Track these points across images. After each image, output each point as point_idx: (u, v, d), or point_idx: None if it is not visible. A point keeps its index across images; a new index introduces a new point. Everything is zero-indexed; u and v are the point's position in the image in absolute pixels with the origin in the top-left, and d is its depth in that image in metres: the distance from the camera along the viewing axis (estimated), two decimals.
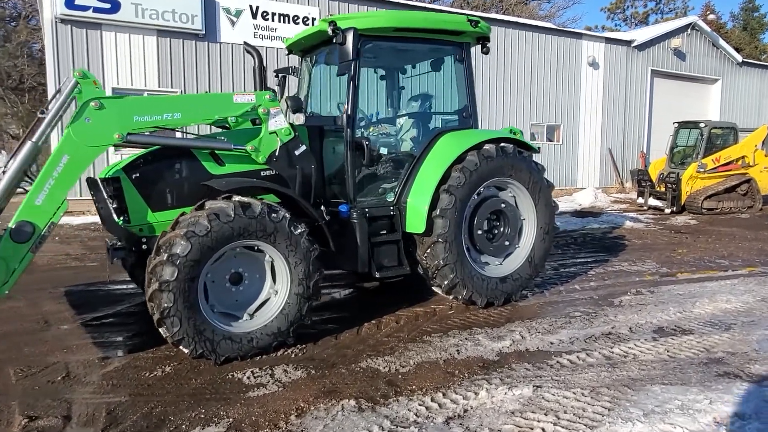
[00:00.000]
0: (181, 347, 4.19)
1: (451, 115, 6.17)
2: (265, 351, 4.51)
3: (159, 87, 12.16)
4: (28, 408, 3.59)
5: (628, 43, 20.30)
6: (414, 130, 5.97)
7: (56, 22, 10.96)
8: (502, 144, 5.72)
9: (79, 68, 4.21)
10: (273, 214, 4.39)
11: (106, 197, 4.66)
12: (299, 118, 4.93)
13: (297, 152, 5.12)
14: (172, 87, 12.28)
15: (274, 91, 5.82)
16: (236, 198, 4.41)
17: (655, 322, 5.22)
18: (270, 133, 4.96)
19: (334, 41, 4.83)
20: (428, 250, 5.41)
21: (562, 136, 19.00)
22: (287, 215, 4.46)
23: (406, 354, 4.50)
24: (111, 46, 11.59)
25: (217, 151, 4.89)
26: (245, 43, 5.77)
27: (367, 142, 5.25)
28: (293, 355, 4.52)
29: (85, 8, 11.00)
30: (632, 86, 20.39)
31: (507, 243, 5.89)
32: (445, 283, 5.45)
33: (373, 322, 5.35)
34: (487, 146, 5.57)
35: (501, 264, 5.93)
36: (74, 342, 4.83)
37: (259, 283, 4.63)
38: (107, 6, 11.19)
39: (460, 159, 5.42)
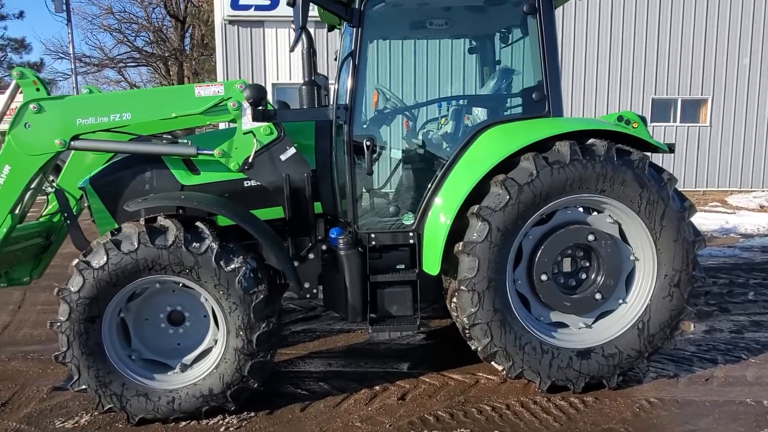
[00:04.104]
0: None
1: (513, 98, 4.20)
2: (193, 417, 3.51)
3: None
4: None
5: None
6: (452, 123, 4.20)
7: (225, 23, 11.57)
8: (590, 141, 3.62)
9: (18, 68, 3.77)
10: (194, 244, 3.34)
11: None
12: (247, 115, 3.73)
13: (283, 157, 3.93)
14: (329, 79, 12.03)
15: (325, 77, 4.71)
16: (162, 220, 3.47)
17: None
18: (245, 134, 3.88)
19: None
20: (453, 300, 3.72)
21: None
22: (213, 246, 3.35)
23: None
24: (272, 42, 11.80)
25: (191, 158, 4.03)
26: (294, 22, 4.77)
27: (368, 143, 3.78)
28: (222, 429, 3.43)
29: (247, 7, 11.36)
30: None
31: (599, 296, 3.76)
32: (480, 348, 3.69)
33: (377, 388, 3.91)
34: (558, 145, 3.56)
35: (589, 327, 3.83)
36: None
37: (205, 325, 3.65)
38: (267, 2, 11.38)
39: (508, 165, 3.56)
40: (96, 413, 3.57)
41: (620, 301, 3.83)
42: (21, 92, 3.75)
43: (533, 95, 3.86)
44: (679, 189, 3.84)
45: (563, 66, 12.14)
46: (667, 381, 3.94)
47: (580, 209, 3.78)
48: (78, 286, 3.28)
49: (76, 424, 3.52)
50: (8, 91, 3.84)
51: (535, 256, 3.70)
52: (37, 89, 3.74)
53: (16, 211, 3.89)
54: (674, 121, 13.22)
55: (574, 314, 3.81)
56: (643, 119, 3.90)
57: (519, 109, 4.08)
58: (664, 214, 3.64)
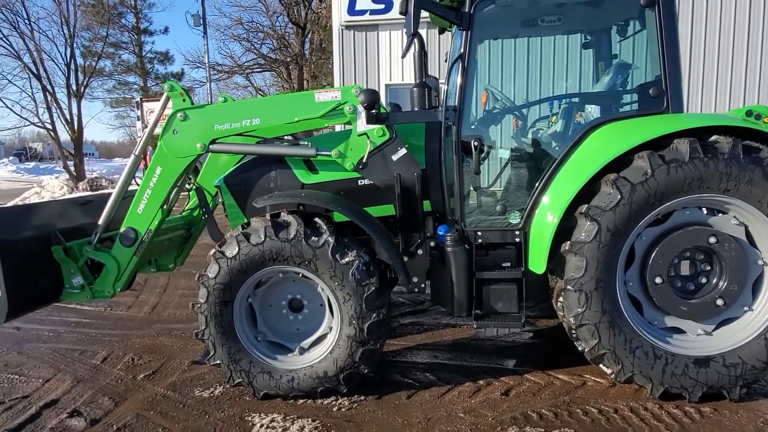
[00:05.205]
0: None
1: (629, 95, 4.02)
2: (310, 396, 3.85)
3: None
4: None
5: None
6: (563, 121, 4.13)
7: (342, 28, 12.12)
8: (713, 138, 3.42)
9: (168, 81, 4.32)
10: (312, 238, 3.65)
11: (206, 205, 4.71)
12: (361, 118, 3.95)
13: (395, 157, 4.15)
14: (440, 79, 12.15)
15: (436, 78, 4.91)
16: (285, 216, 3.83)
17: None
18: (359, 135, 4.15)
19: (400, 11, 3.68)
20: (560, 299, 3.70)
21: None
22: (330, 240, 3.64)
23: None
24: (386, 44, 12.15)
25: (311, 158, 4.38)
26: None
27: (476, 143, 3.86)
28: (335, 409, 3.72)
29: (363, 12, 11.81)
30: None
31: (721, 302, 3.55)
32: (587, 350, 3.65)
33: (480, 382, 4.01)
34: (676, 142, 3.41)
35: (708, 335, 3.63)
36: None
37: (322, 313, 3.97)
38: (381, 7, 11.74)
39: (621, 165, 3.47)
40: (228, 386, 4.02)
41: (745, 308, 3.58)
42: (171, 102, 4.32)
43: (650, 91, 3.72)
44: None
45: (687, 56, 11.18)
46: None
47: (702, 210, 3.58)
48: (215, 272, 3.73)
49: (211, 394, 4.00)
50: (161, 102, 4.43)
51: (649, 257, 3.57)
52: (183, 100, 4.28)
53: (165, 206, 4.47)
54: None
55: (692, 320, 3.63)
56: None
57: (635, 106, 3.94)
58: None
